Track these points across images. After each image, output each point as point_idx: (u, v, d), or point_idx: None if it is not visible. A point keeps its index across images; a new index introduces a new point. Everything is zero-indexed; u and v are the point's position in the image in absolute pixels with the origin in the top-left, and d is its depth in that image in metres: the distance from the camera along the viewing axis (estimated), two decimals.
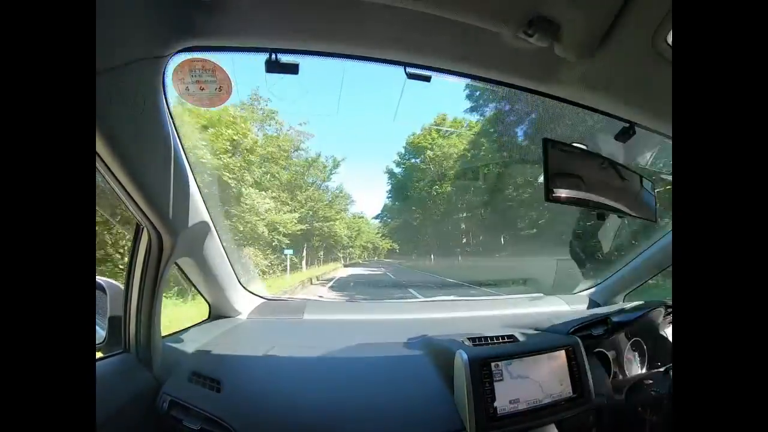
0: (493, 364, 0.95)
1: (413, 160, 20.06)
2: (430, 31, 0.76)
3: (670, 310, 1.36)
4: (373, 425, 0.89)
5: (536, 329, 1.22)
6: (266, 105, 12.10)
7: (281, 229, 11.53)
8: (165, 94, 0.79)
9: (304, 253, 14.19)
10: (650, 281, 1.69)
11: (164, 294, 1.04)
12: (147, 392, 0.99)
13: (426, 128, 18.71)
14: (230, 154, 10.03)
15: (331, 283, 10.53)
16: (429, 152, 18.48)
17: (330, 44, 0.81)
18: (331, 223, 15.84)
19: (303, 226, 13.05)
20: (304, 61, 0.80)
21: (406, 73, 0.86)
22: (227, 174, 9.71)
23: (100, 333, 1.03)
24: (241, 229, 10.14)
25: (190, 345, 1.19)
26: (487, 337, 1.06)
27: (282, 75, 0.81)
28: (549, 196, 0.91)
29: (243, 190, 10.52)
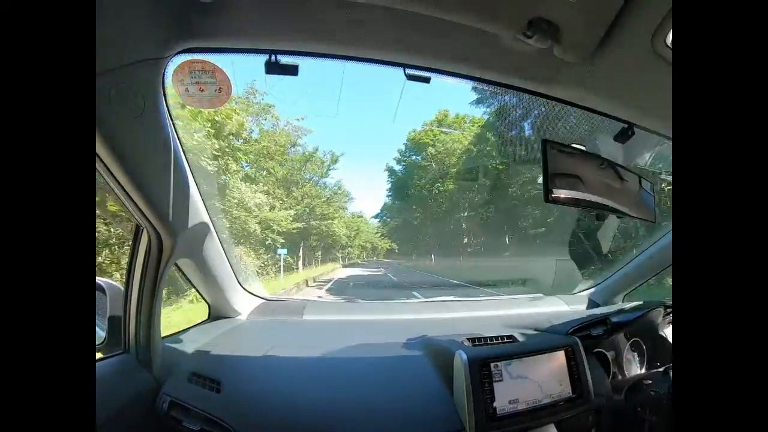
0: (492, 364, 0.95)
1: (414, 157, 19.73)
2: (429, 33, 0.76)
3: (669, 310, 1.36)
4: (373, 425, 0.89)
5: (536, 329, 1.22)
6: (262, 99, 11.47)
7: (275, 227, 10.90)
8: (165, 96, 0.79)
9: (301, 253, 13.69)
10: (650, 281, 1.70)
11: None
12: (147, 393, 0.99)
13: (427, 124, 18.40)
14: (212, 138, 8.49)
15: (328, 285, 9.95)
16: (431, 149, 18.09)
17: (329, 46, 0.81)
18: (329, 221, 15.33)
19: (299, 224, 12.50)
20: (303, 63, 0.80)
21: (406, 75, 0.86)
22: (207, 160, 8.17)
23: (100, 334, 1.03)
24: (228, 225, 9.13)
25: (189, 345, 1.19)
26: (486, 337, 1.06)
27: (282, 76, 0.81)
28: (548, 197, 0.91)
29: (229, 181, 9.51)
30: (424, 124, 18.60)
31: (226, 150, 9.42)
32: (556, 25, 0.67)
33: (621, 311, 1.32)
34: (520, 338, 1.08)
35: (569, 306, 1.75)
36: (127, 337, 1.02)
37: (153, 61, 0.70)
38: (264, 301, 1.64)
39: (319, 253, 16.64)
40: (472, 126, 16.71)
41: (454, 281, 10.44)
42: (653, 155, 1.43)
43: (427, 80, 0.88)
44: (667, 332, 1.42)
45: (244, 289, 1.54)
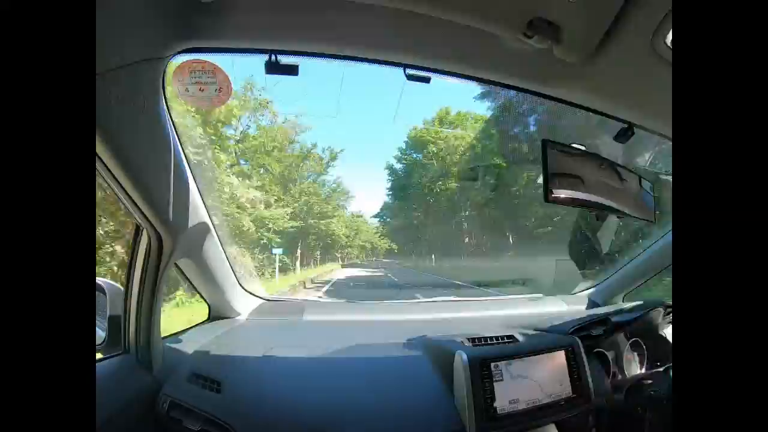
0: (492, 364, 0.95)
1: (415, 156, 19.23)
2: (429, 33, 0.76)
3: (669, 310, 1.36)
4: (373, 425, 0.89)
5: (536, 329, 1.22)
6: (260, 95, 11.03)
7: (271, 225, 10.42)
8: (165, 96, 0.79)
9: (298, 253, 13.20)
10: (650, 281, 1.70)
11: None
12: (147, 393, 0.99)
13: (428, 123, 17.91)
14: (197, 122, 7.70)
15: (327, 287, 9.36)
16: (432, 146, 17.62)
17: (330, 45, 0.81)
18: (328, 220, 14.82)
19: (296, 223, 12.01)
20: (303, 63, 0.80)
21: (406, 75, 0.86)
22: (189, 147, 7.51)
23: (100, 334, 1.03)
24: (216, 222, 8.58)
25: (189, 346, 1.19)
26: (486, 337, 1.06)
27: (282, 76, 0.81)
28: (548, 197, 0.91)
29: (217, 174, 8.72)
30: (424, 122, 18.21)
31: (213, 138, 8.68)
32: (556, 26, 0.67)
33: (621, 311, 1.32)
34: (521, 338, 1.08)
35: (569, 306, 1.75)
36: (127, 338, 1.02)
37: (153, 61, 0.70)
38: (264, 301, 1.64)
39: (318, 253, 16.30)
40: (475, 123, 16.41)
41: (457, 282, 10.31)
42: (653, 155, 1.43)
43: (427, 80, 0.88)
44: (668, 332, 1.42)
45: (244, 289, 1.54)
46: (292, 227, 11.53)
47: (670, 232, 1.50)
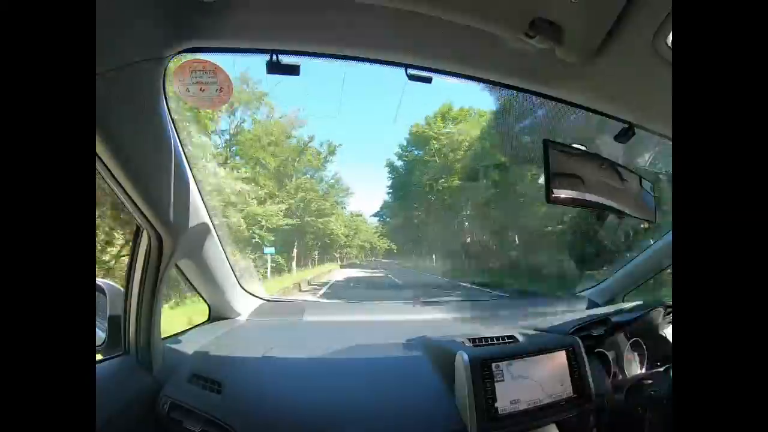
0: (493, 364, 0.95)
1: (416, 152, 18.65)
2: (431, 33, 0.76)
3: (669, 310, 1.37)
4: (374, 425, 0.89)
5: (536, 329, 1.22)
6: (256, 88, 10.48)
7: (264, 222, 9.60)
8: (165, 96, 0.79)
9: (294, 253, 12.46)
10: (650, 281, 1.70)
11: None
12: (147, 394, 0.99)
13: (430, 119, 17.35)
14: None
15: (324, 290, 8.41)
16: (434, 142, 17.03)
17: (331, 45, 0.81)
18: (326, 218, 14.02)
19: (292, 221, 11.20)
20: (305, 63, 0.80)
21: (407, 75, 0.86)
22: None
23: (100, 335, 1.03)
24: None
25: (190, 347, 1.19)
26: (487, 337, 1.06)
27: (283, 76, 0.81)
28: (549, 197, 0.91)
29: (199, 161, 7.54)
30: (426, 118, 17.59)
31: (194, 118, 7.51)
32: (557, 26, 0.67)
33: (621, 311, 1.32)
34: (521, 338, 1.08)
35: (569, 306, 1.75)
36: (127, 339, 1.02)
37: (154, 61, 0.70)
38: (264, 301, 1.64)
39: (316, 253, 15.73)
40: (479, 118, 16.02)
41: (459, 282, 10.17)
42: (653, 155, 1.43)
43: (428, 80, 0.88)
44: (668, 332, 1.42)
45: (244, 289, 1.54)
46: (287, 225, 10.86)
47: (670, 232, 1.50)
